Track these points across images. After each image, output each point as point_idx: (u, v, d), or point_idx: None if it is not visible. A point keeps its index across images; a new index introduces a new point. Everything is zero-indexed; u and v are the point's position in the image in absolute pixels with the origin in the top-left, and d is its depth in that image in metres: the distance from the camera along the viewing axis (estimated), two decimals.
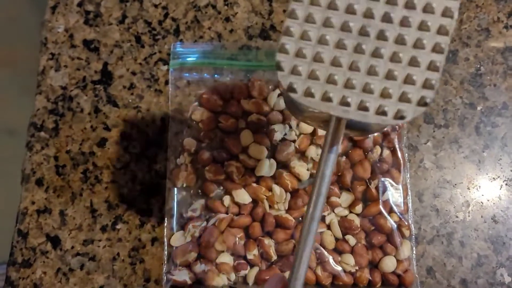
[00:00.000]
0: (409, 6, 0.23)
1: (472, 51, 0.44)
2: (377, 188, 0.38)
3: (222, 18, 0.44)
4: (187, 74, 0.42)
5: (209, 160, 0.39)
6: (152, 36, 0.44)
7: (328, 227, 0.38)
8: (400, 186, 0.38)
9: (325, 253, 0.37)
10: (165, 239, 0.38)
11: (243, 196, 0.38)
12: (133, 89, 0.42)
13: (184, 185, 0.39)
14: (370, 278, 0.37)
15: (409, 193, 0.39)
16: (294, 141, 0.39)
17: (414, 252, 0.38)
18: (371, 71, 0.23)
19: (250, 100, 0.40)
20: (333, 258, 0.37)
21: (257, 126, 0.40)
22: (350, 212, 0.38)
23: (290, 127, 0.39)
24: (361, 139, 0.39)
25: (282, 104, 0.40)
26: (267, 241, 0.37)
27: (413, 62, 0.23)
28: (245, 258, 0.38)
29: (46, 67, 0.43)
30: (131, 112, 0.42)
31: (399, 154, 0.39)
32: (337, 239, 0.38)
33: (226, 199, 0.38)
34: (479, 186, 0.41)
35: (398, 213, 0.38)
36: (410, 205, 0.39)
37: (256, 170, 0.38)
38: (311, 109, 0.25)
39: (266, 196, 0.38)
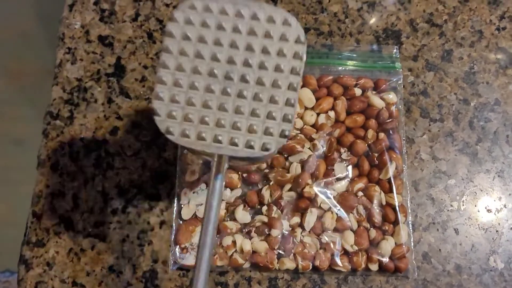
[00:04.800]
0: (265, 51, 0.26)
1: (466, 51, 0.46)
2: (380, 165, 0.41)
3: None
4: None
5: None
6: (163, 33, 0.46)
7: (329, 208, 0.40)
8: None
9: (325, 237, 0.39)
10: (174, 223, 0.40)
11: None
12: (144, 82, 0.45)
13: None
14: (367, 263, 0.39)
15: (405, 181, 0.41)
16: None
17: (412, 239, 0.40)
18: (238, 111, 0.26)
19: None
20: (333, 239, 0.39)
21: None
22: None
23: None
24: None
25: None
26: None
27: (272, 100, 0.26)
28: None
29: (63, 60, 0.45)
30: (142, 103, 0.44)
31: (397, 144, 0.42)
32: (338, 219, 0.40)
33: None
34: (473, 177, 0.43)
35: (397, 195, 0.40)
36: (408, 191, 0.41)
37: None
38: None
39: None
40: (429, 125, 0.44)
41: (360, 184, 0.40)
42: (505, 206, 0.42)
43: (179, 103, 0.26)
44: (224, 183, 0.28)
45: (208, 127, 0.26)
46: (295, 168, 0.40)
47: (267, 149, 0.26)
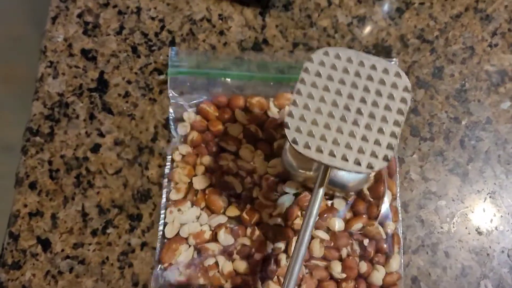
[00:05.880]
0: (378, 93, 0.32)
1: (457, 67, 0.45)
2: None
3: (216, 31, 0.46)
4: (182, 83, 0.43)
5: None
6: (148, 47, 0.45)
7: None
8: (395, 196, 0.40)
9: (314, 261, 0.38)
10: (158, 244, 0.39)
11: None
12: (128, 97, 0.43)
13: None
14: None
15: (398, 205, 0.40)
16: None
17: (402, 264, 0.39)
18: (351, 134, 0.31)
19: (248, 113, 0.42)
20: (320, 265, 0.38)
21: (254, 136, 0.41)
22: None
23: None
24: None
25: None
26: None
27: (380, 131, 0.32)
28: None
29: (44, 74, 0.44)
30: (125, 119, 0.43)
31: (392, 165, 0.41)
32: (327, 248, 0.38)
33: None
34: (464, 198, 0.42)
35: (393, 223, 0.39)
36: (400, 216, 0.40)
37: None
38: (302, 169, 0.37)
39: None
40: (419, 144, 0.43)
41: (359, 225, 0.38)
42: (496, 228, 0.41)
43: (306, 121, 0.32)
44: (324, 193, 0.33)
45: (326, 143, 0.31)
46: (289, 199, 0.40)
47: (371, 167, 0.31)
